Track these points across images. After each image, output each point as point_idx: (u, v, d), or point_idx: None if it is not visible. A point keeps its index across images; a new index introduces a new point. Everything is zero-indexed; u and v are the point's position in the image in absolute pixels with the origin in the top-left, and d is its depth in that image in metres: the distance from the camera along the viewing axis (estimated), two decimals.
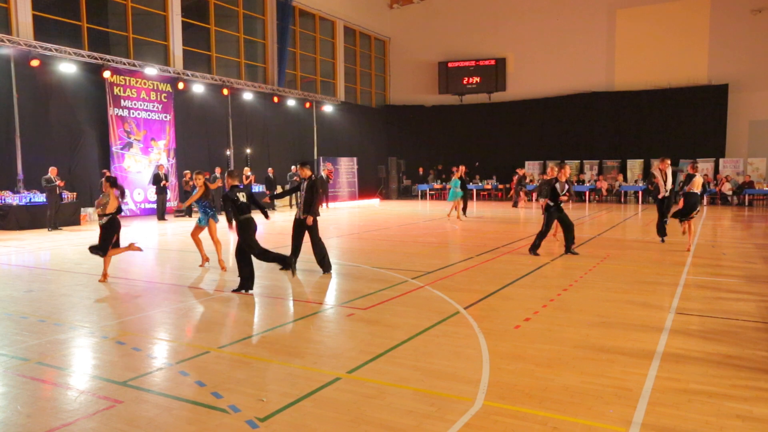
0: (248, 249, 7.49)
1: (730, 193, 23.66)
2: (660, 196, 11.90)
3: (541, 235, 10.44)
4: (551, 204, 10.34)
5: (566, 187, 10.46)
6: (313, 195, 8.47)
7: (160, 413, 3.87)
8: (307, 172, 8.64)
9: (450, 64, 31.11)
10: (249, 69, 25.02)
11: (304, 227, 8.62)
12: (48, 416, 3.84)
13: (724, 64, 25.54)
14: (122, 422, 3.74)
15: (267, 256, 7.60)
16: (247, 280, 7.48)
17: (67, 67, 17.18)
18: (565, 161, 27.22)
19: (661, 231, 12.05)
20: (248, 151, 23.32)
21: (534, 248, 10.44)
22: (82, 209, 16.95)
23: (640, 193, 24.96)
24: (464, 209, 18.49)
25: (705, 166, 25.27)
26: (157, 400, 4.09)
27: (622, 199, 25.84)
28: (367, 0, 31.63)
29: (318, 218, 8.62)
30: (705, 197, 11.54)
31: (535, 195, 26.49)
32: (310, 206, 8.48)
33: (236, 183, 7.77)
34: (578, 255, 10.32)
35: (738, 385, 4.27)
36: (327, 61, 29.41)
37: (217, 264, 9.23)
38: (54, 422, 3.74)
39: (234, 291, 7.53)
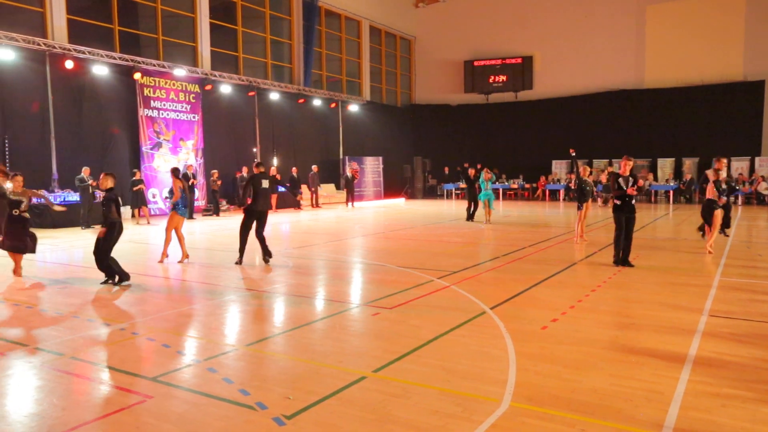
0: (98, 247, 7.97)
1: (766, 192, 22.98)
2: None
3: (615, 240, 9.26)
4: (618, 203, 9.19)
5: (630, 180, 9.12)
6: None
7: (189, 409, 3.94)
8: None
9: (476, 63, 30.89)
10: (275, 69, 25.24)
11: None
12: (82, 409, 3.95)
13: (760, 59, 24.80)
14: (152, 417, 3.81)
15: (103, 263, 8.04)
16: (118, 274, 8.01)
17: (100, 69, 17.59)
18: (593, 160, 26.81)
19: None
20: (275, 158, 23.51)
21: (616, 258, 9.26)
22: None
23: (671, 192, 24.40)
24: (473, 212, 17.20)
25: (740, 164, 24.58)
26: (186, 396, 4.15)
27: (653, 199, 25.32)
28: None
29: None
30: (728, 197, 10.48)
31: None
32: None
33: (113, 186, 8.19)
34: (634, 267, 9.12)
35: None
36: (352, 61, 29.49)
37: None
38: (87, 416, 3.84)
39: (117, 283, 8.04)
